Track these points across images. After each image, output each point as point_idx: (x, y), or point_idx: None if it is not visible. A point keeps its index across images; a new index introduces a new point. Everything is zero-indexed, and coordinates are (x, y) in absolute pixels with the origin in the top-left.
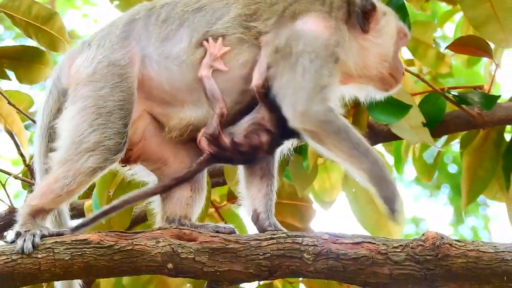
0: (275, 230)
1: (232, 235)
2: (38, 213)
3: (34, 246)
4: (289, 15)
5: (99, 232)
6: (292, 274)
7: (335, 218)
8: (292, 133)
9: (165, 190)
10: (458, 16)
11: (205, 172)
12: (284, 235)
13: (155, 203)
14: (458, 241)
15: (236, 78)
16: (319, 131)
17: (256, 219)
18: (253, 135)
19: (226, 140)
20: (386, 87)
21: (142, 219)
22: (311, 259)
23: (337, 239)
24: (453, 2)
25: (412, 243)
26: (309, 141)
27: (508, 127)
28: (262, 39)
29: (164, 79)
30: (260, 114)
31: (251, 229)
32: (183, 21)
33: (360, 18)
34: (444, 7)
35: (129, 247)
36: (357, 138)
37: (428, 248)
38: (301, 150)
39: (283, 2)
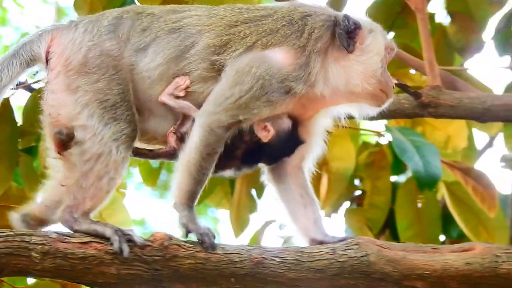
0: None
1: None
2: (89, 215)
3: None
4: (260, 46)
5: None
6: (20, 272)
7: None
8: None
9: None
10: None
11: None
12: (12, 233)
13: None
14: (187, 242)
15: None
16: (203, 135)
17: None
18: None
19: None
20: (378, 103)
21: None
22: (38, 257)
23: (65, 238)
24: None
25: None
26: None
27: None
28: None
29: (135, 86)
30: None
31: None
32: (156, 38)
33: (344, 39)
34: None
35: None
36: (207, 172)
37: (156, 248)
38: (31, 150)
39: (256, 34)
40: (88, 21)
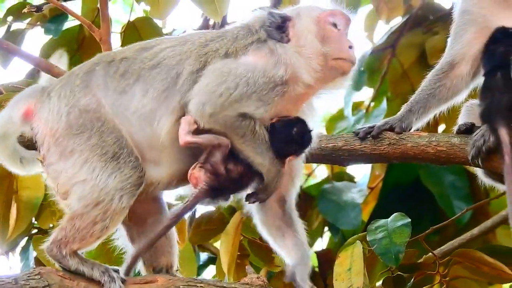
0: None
1: None
2: (77, 254)
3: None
4: (232, 54)
5: None
6: None
7: None
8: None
9: (167, 230)
10: None
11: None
12: None
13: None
14: None
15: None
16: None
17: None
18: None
19: (221, 167)
20: (340, 72)
21: None
22: None
23: None
24: None
25: None
26: None
27: None
28: None
29: (125, 131)
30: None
31: None
32: (139, 77)
33: (275, 34)
34: None
35: None
36: (260, 141)
37: None
38: None
39: (225, 44)
40: (59, 86)
